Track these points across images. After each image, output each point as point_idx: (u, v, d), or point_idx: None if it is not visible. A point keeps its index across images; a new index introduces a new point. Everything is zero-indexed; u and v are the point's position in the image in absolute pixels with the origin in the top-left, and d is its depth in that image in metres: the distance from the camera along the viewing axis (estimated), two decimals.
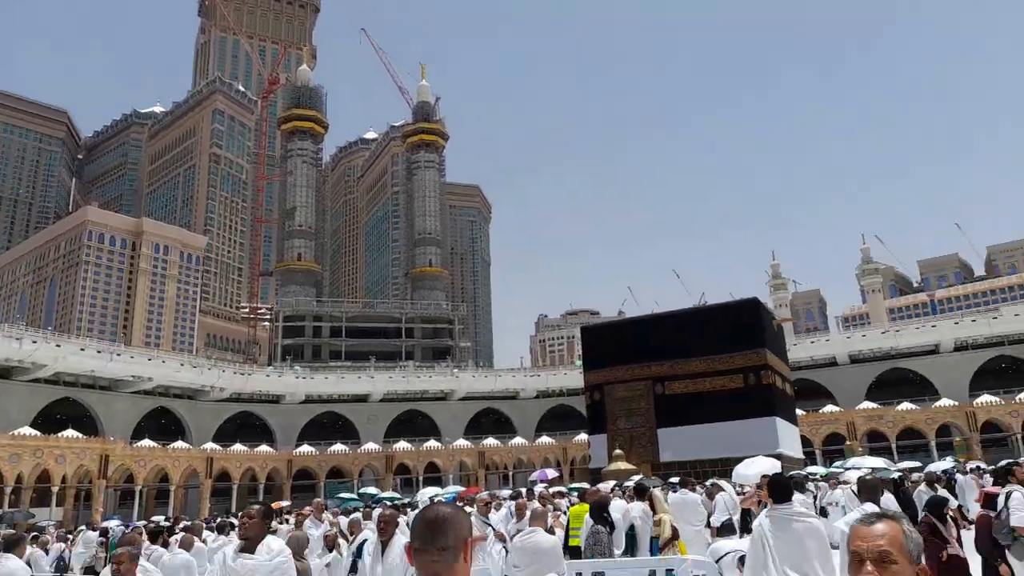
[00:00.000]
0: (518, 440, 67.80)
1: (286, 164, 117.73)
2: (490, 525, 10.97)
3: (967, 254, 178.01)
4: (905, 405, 57.61)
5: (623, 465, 26.32)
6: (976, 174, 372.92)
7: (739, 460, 23.14)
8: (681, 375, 32.87)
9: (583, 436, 52.22)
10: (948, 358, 67.13)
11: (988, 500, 8.00)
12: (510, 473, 63.64)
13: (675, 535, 8.32)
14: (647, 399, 33.07)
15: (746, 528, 10.61)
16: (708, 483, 15.96)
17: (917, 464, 33.62)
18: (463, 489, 34.76)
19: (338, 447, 63.87)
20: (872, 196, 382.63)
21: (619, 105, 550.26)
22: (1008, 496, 7.63)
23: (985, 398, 56.32)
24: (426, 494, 30.78)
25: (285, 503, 39.60)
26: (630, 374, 33.85)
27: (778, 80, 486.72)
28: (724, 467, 26.84)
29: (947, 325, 69.66)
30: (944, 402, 58.03)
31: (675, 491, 13.75)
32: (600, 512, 9.79)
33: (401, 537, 5.83)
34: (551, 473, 29.49)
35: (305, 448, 63.42)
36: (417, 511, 3.25)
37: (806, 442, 50.26)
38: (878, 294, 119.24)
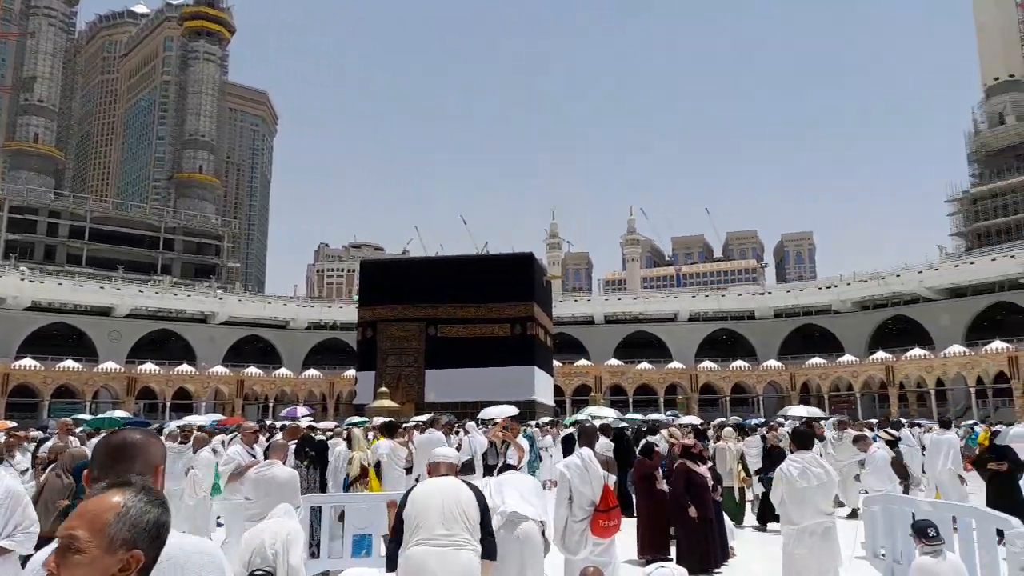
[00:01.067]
0: (283, 371, 65.31)
1: (27, 22, 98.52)
2: (253, 455, 10.42)
3: (711, 237, 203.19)
4: (644, 364, 64.93)
5: (387, 403, 26.49)
6: (728, 162, 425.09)
7: (497, 404, 24.78)
8: (454, 319, 33.73)
9: (352, 372, 51.66)
10: (683, 326, 76.62)
11: (685, 451, 9.25)
12: (271, 404, 61.26)
13: (363, 473, 8.51)
14: (419, 340, 33.53)
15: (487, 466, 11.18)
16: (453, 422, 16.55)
17: (639, 416, 38.06)
18: (222, 417, 32.63)
19: (69, 363, 56.48)
20: (644, 171, 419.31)
21: (435, 34, 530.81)
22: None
23: (706, 364, 65.44)
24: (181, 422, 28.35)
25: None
26: (405, 314, 33.98)
27: (575, 30, 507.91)
28: (479, 410, 28.34)
29: (686, 298, 79.32)
30: (675, 364, 66.39)
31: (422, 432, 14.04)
32: (303, 448, 10.26)
33: None
34: (301, 411, 28.52)
35: (28, 362, 55.24)
36: (101, 437, 2.76)
37: (559, 391, 54.59)
38: (636, 263, 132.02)
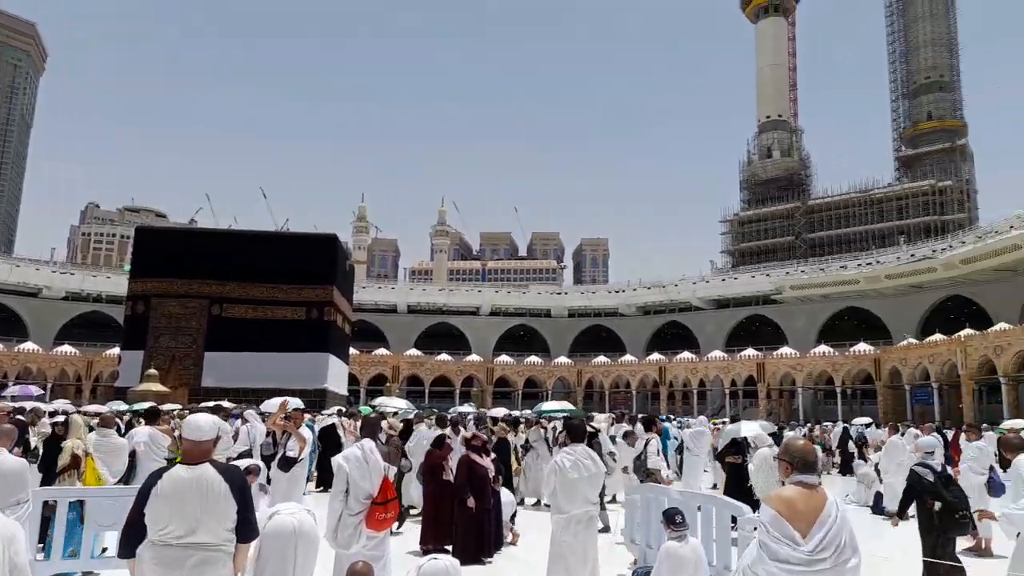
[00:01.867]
0: (29, 345, 56.83)
1: None
2: None
3: (517, 235, 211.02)
4: (443, 356, 65.56)
5: (155, 386, 23.97)
6: (538, 165, 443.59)
7: (285, 392, 23.51)
8: (243, 299, 31.42)
9: (116, 351, 46.25)
10: (484, 320, 78.61)
11: (468, 443, 9.31)
12: (9, 383, 52.98)
13: (74, 463, 7.64)
14: (200, 319, 30.78)
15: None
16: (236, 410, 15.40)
17: (433, 407, 38.37)
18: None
19: None
20: (459, 165, 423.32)
21: None
22: (647, 443, 9.91)
23: (503, 358, 67.63)
24: None
25: None
26: (187, 289, 31.03)
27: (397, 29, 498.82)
28: (269, 397, 26.68)
29: (489, 292, 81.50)
30: (473, 357, 67.85)
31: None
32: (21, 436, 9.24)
33: None
34: (34, 390, 24.72)
35: None
36: None
37: (354, 380, 53.31)
38: (444, 254, 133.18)
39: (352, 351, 47.75)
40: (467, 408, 31.76)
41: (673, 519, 5.69)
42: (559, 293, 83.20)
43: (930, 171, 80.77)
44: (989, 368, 41.52)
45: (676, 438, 16.80)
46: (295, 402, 13.93)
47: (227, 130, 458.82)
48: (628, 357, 66.77)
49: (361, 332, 62.97)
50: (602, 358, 67.06)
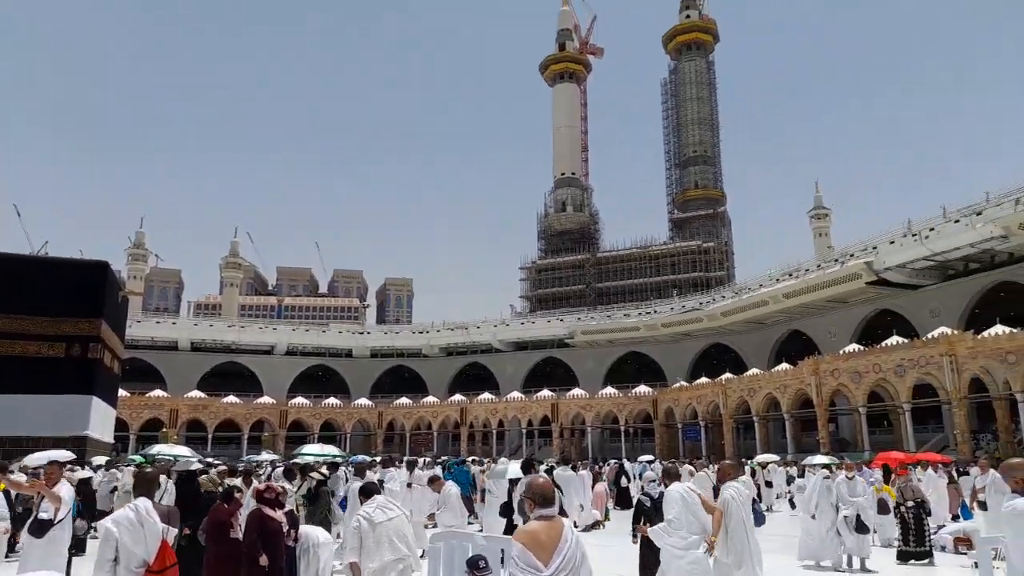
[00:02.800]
0: None
1: None
2: None
3: (318, 271, 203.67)
4: (231, 398, 60.77)
5: None
6: (342, 200, 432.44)
7: (37, 439, 20.94)
8: None
9: None
10: (279, 359, 74.40)
11: (259, 496, 8.65)
12: None
13: None
14: None
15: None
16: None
17: (221, 455, 35.34)
18: None
19: None
20: (256, 193, 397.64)
21: None
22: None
23: (298, 400, 64.25)
24: None
25: None
26: None
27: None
28: (17, 445, 22.90)
29: (286, 330, 77.44)
30: (265, 399, 63.69)
31: None
32: None
33: None
34: None
35: None
36: None
37: (123, 425, 47.58)
38: (235, 288, 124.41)
39: (122, 392, 42.62)
40: (267, 456, 29.57)
41: (476, 564, 5.65)
42: (361, 333, 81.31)
43: (697, 232, 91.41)
44: (745, 408, 47.23)
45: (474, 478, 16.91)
46: (62, 454, 12.02)
47: None
48: (430, 398, 66.69)
49: (134, 371, 56.77)
50: (404, 399, 66.30)
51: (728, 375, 50.85)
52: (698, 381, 53.88)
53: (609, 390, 59.95)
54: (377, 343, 78.13)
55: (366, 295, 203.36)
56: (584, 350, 71.28)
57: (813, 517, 12.36)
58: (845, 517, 11.93)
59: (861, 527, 11.90)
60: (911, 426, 35.79)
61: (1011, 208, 38.83)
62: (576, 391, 61.19)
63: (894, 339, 36.86)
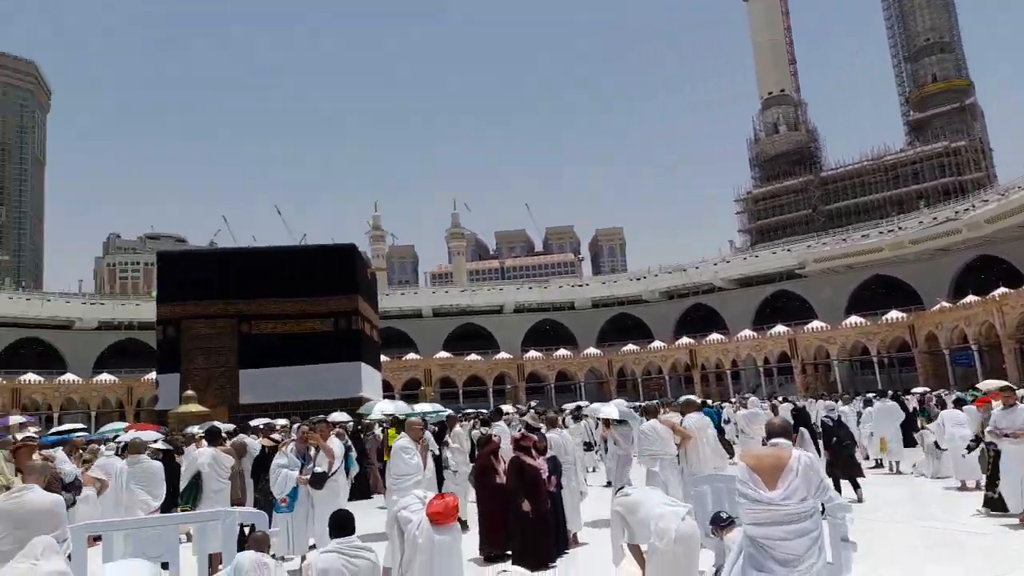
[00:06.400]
0: (69, 377, 57.78)
1: None
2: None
3: (532, 232, 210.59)
4: (473, 356, 65.55)
5: (194, 407, 24.08)
6: (547, 161, 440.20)
7: (323, 403, 24.35)
8: (270, 315, 31.46)
9: (154, 375, 46.80)
10: (509, 318, 78.46)
11: (516, 443, 9.13)
12: (55, 415, 53.98)
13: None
14: (231, 338, 30.86)
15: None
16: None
17: (471, 410, 38.19)
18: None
19: None
20: (467, 165, 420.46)
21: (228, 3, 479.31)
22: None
23: (532, 353, 67.45)
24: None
25: None
26: (213, 310, 31.14)
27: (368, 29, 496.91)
28: (306, 410, 26.80)
29: (511, 290, 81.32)
30: (502, 355, 67.74)
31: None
32: None
33: None
34: (15, 419, 24.41)
35: None
36: None
37: (388, 386, 53.48)
38: (461, 256, 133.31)
39: (383, 358, 47.91)
40: (508, 407, 31.43)
41: (719, 520, 5.46)
42: (580, 285, 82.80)
43: (942, 133, 79.29)
44: None
45: (728, 420, 16.51)
46: (339, 416, 13.76)
47: (235, 150, 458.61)
48: (657, 343, 66.24)
49: (389, 339, 63.16)
50: (631, 346, 66.58)
51: (1003, 289, 43.95)
52: (965, 300, 47.27)
53: (854, 319, 54.94)
54: (597, 293, 79.03)
55: (579, 249, 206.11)
56: (818, 279, 65.81)
57: None
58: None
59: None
60: None
61: None
62: (815, 323, 56.95)
63: None
